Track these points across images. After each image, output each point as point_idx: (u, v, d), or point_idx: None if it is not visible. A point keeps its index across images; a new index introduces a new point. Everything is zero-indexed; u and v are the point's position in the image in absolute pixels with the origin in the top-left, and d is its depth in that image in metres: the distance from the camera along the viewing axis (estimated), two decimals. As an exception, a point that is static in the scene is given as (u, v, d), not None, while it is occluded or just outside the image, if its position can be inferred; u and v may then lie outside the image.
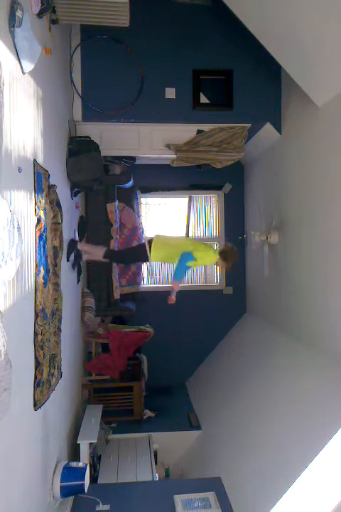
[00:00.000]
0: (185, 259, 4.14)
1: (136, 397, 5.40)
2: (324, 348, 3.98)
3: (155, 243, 4.32)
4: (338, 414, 3.25)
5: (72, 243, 4.36)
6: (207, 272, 7.13)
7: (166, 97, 4.93)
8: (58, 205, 3.58)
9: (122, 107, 4.85)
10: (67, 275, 4.21)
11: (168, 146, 5.08)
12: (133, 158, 5.80)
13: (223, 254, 4.33)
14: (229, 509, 3.49)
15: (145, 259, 4.36)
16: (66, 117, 4.48)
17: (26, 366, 2.71)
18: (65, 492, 3.36)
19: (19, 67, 2.69)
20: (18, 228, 2.07)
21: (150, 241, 4.37)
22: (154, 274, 6.98)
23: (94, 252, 4.68)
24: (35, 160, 2.98)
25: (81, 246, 4.62)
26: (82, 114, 4.88)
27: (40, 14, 3.14)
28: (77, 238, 4.89)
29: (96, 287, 5.75)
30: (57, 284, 3.52)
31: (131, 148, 5.26)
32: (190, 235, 6.98)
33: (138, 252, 4.55)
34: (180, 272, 4.19)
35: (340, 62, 3.49)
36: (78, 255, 4.57)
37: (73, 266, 4.51)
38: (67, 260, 4.19)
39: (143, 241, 6.01)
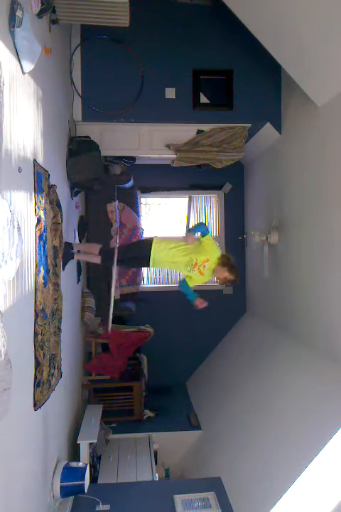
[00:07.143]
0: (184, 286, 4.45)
1: (136, 397, 5.40)
2: (324, 348, 3.98)
3: (155, 246, 4.16)
4: (338, 414, 3.25)
5: (67, 246, 4.06)
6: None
7: (166, 97, 4.93)
8: (58, 205, 3.58)
9: (122, 107, 4.85)
10: (67, 275, 4.21)
11: (168, 146, 5.08)
12: (133, 158, 5.80)
13: (227, 267, 4.09)
14: (229, 509, 3.49)
15: (146, 257, 4.16)
16: (66, 117, 4.48)
17: (26, 366, 2.71)
18: (65, 492, 3.36)
19: (19, 67, 2.69)
20: (18, 228, 2.06)
21: (149, 242, 4.20)
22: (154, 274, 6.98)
23: (90, 249, 4.53)
24: (35, 160, 2.98)
25: (76, 247, 4.46)
26: (82, 114, 4.87)
27: (40, 14, 3.15)
28: (76, 239, 4.88)
29: (96, 287, 5.75)
30: (57, 284, 3.52)
31: (131, 148, 5.25)
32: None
33: (138, 248, 4.44)
34: (187, 289, 4.49)
35: (340, 62, 3.49)
36: (68, 256, 4.24)
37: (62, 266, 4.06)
38: (63, 269, 3.98)
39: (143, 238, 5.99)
